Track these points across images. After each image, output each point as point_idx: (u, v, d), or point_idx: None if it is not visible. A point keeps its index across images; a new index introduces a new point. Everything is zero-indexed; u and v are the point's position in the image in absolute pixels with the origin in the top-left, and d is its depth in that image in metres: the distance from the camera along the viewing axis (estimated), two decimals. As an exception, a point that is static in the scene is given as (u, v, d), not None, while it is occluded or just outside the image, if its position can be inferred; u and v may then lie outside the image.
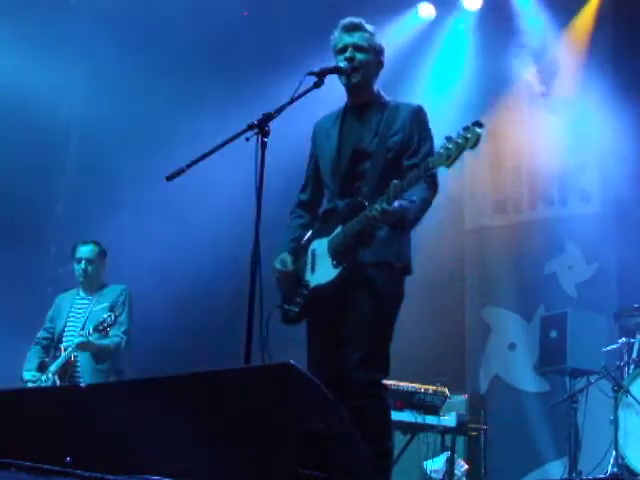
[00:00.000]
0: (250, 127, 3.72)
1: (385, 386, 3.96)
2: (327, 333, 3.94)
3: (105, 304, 6.15)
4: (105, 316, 5.86)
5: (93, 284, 6.30)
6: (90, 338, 5.92)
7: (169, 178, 3.83)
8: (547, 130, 8.09)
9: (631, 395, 6.07)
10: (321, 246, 3.99)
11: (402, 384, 6.01)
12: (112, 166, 7.81)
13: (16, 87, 7.15)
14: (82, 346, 5.95)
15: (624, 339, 6.40)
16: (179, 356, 7.32)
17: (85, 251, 6.28)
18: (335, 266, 3.88)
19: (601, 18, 7.73)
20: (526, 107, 8.16)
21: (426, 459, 6.07)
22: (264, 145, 3.69)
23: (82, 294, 6.31)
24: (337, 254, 3.89)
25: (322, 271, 3.94)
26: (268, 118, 3.74)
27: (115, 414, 2.99)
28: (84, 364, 6.03)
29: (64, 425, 3.09)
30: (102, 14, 7.88)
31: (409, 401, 6.01)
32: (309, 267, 4.03)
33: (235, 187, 6.17)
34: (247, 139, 3.72)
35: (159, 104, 7.78)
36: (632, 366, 6.28)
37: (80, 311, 6.22)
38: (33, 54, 7.19)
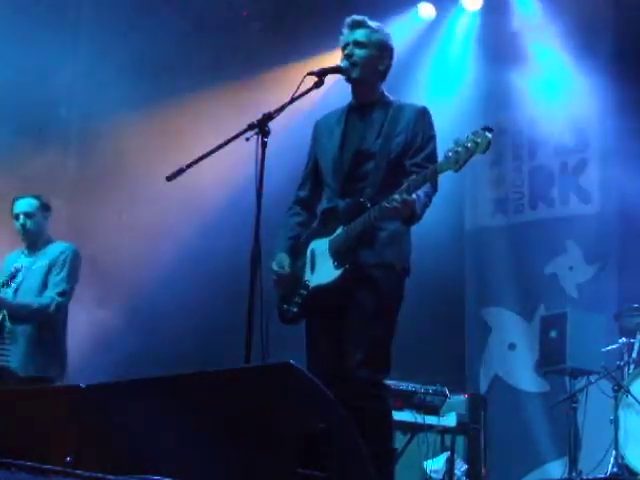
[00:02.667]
0: (250, 127, 3.73)
1: (386, 386, 3.96)
2: (327, 333, 3.94)
3: (44, 262, 5.65)
4: (12, 270, 5.43)
5: (37, 241, 5.74)
6: (0, 294, 5.42)
7: (169, 178, 3.84)
8: (548, 130, 8.09)
9: (631, 395, 6.07)
10: (321, 246, 3.98)
11: (402, 384, 6.01)
12: (112, 166, 7.80)
13: (15, 87, 7.15)
14: None
15: (624, 339, 6.41)
16: (179, 356, 7.31)
17: (22, 205, 5.73)
18: (337, 267, 3.87)
19: (601, 17, 7.72)
20: (526, 107, 8.16)
21: (426, 459, 6.06)
22: (264, 145, 3.70)
23: (26, 252, 5.76)
24: (339, 255, 3.88)
25: (323, 271, 3.94)
26: (268, 118, 3.75)
27: (115, 414, 2.99)
28: (7, 325, 5.49)
29: (64, 425, 3.09)
30: (102, 13, 7.88)
31: (409, 401, 6.01)
32: (308, 267, 4.02)
33: (237, 186, 6.17)
34: (247, 139, 3.72)
35: (160, 104, 7.78)
36: (632, 366, 6.28)
37: (21, 269, 5.62)
38: (33, 54, 7.18)
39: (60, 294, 5.54)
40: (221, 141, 3.83)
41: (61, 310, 5.57)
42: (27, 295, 5.55)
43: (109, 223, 7.50)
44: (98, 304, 6.77)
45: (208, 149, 3.86)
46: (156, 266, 7.43)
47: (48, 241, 5.77)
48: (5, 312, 5.46)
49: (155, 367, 6.50)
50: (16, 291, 5.56)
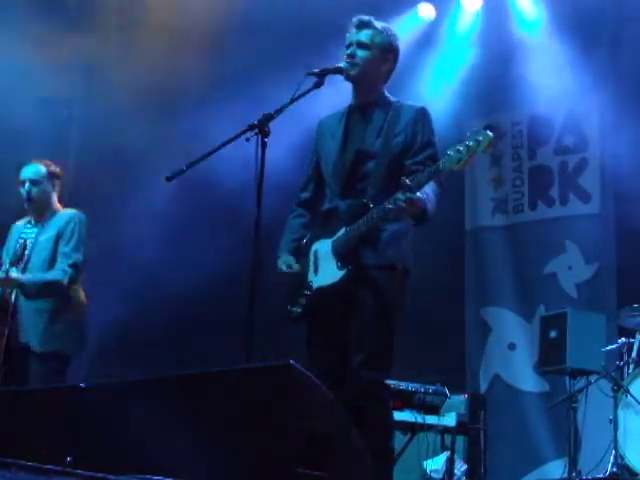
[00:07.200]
0: (250, 127, 3.73)
1: (387, 387, 3.97)
2: (329, 333, 3.94)
3: (51, 233, 5.44)
4: (21, 243, 5.31)
5: (43, 211, 5.51)
6: (12, 273, 5.24)
7: (169, 178, 3.85)
8: (547, 130, 8.10)
9: (631, 395, 6.08)
10: (324, 247, 3.98)
11: (402, 384, 6.01)
12: (112, 166, 7.81)
13: (15, 88, 7.15)
14: (3, 283, 5.28)
15: (624, 339, 6.41)
16: (179, 356, 7.31)
17: (28, 172, 5.49)
18: (340, 268, 3.88)
19: (601, 16, 7.72)
20: (526, 107, 8.16)
21: (426, 459, 6.06)
22: (264, 145, 3.70)
23: (33, 222, 5.55)
24: (341, 255, 3.88)
25: (326, 272, 3.94)
26: (268, 118, 3.75)
27: (115, 414, 2.99)
28: (21, 302, 5.33)
29: (64, 425, 3.09)
30: (101, 14, 7.88)
31: (409, 401, 6.01)
32: (311, 268, 4.03)
33: (237, 185, 6.17)
34: (247, 139, 3.73)
35: (160, 104, 7.78)
36: (632, 366, 6.29)
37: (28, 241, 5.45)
38: (32, 54, 7.18)
39: (71, 265, 5.37)
40: (221, 142, 3.83)
41: (75, 282, 5.39)
42: (37, 269, 5.37)
43: (109, 224, 7.49)
44: (97, 304, 6.75)
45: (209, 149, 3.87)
46: (156, 266, 7.43)
47: (55, 210, 5.55)
48: (18, 290, 5.28)
49: (155, 367, 6.50)
50: (25, 265, 5.37)
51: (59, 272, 5.36)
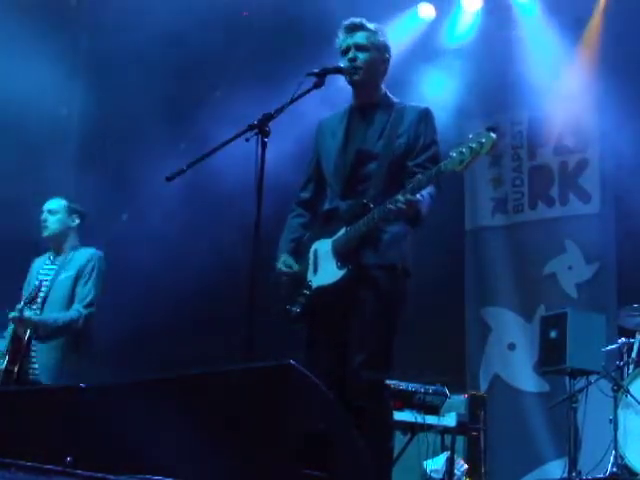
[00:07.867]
0: (250, 127, 3.73)
1: (387, 387, 3.96)
2: (329, 333, 3.94)
3: (71, 272, 5.53)
4: (36, 284, 5.41)
5: (60, 244, 5.65)
6: (26, 313, 5.32)
7: (169, 178, 3.84)
8: (547, 130, 8.10)
9: (631, 395, 6.08)
10: (324, 247, 3.98)
11: (402, 384, 6.01)
12: (112, 167, 7.82)
13: (15, 88, 7.15)
14: (16, 322, 5.34)
15: (624, 339, 6.42)
16: (179, 356, 7.31)
17: (49, 203, 5.69)
18: (340, 267, 3.88)
19: (598, 16, 7.74)
20: (526, 107, 8.16)
21: (426, 459, 6.06)
22: (264, 145, 3.70)
23: (52, 258, 5.69)
24: (341, 255, 3.88)
25: (325, 272, 3.94)
26: (268, 118, 3.75)
27: (115, 414, 2.99)
28: (33, 340, 5.38)
29: (64, 425, 3.09)
30: (102, 14, 7.88)
31: (409, 401, 6.01)
32: (311, 267, 4.02)
33: (237, 185, 6.17)
34: (247, 139, 3.73)
35: (160, 104, 7.78)
36: (632, 366, 6.29)
37: (46, 280, 5.57)
38: (32, 55, 7.18)
39: (87, 306, 5.49)
40: (221, 142, 3.83)
41: (89, 321, 5.51)
42: (55, 308, 5.48)
43: (109, 224, 7.50)
44: (97, 304, 6.77)
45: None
46: (157, 266, 7.43)
47: (74, 247, 5.67)
48: (31, 329, 5.38)
49: (154, 367, 6.50)
50: (44, 303, 5.49)
51: (74, 313, 5.47)
